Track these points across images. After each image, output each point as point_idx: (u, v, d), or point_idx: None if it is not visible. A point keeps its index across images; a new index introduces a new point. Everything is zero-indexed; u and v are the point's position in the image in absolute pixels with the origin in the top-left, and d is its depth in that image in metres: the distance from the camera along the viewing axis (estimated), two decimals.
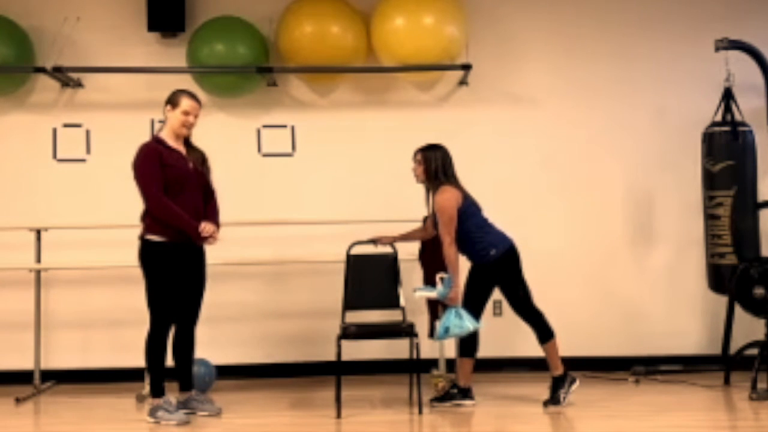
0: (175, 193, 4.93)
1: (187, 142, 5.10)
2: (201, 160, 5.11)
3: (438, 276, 5.17)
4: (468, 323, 5.10)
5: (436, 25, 6.10)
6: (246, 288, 6.30)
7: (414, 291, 5.34)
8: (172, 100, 5.03)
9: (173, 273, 4.97)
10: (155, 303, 4.96)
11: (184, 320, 5.13)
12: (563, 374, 5.27)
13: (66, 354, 6.25)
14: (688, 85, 6.47)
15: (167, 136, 5.03)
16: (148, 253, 4.97)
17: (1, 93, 6.28)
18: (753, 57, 5.94)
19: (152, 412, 4.94)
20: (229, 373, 6.11)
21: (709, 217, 5.95)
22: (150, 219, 4.96)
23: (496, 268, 5.25)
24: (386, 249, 5.59)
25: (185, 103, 5.01)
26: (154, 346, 4.97)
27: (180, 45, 6.29)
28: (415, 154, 5.38)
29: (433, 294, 5.21)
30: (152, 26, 6.26)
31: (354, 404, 5.31)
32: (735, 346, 5.82)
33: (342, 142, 6.44)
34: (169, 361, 5.22)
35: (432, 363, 6.05)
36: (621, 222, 6.48)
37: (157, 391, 4.97)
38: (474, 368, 5.36)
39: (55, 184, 6.32)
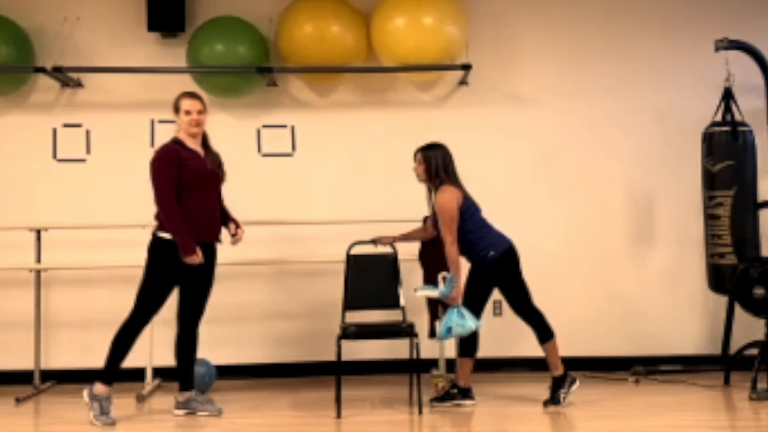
0: (192, 192, 4.97)
1: (205, 144, 5.15)
2: (218, 164, 5.16)
3: (440, 275, 5.17)
4: (470, 322, 5.10)
5: (436, 25, 6.10)
6: (246, 288, 6.30)
7: (415, 290, 5.34)
8: (175, 106, 5.10)
9: (177, 273, 4.98)
10: (146, 298, 4.97)
11: (188, 320, 5.14)
12: (563, 374, 5.27)
13: (66, 354, 6.25)
14: (688, 85, 6.47)
15: (184, 139, 5.08)
16: (157, 250, 4.97)
17: (1, 93, 6.28)
18: (753, 57, 5.94)
19: (90, 400, 4.94)
20: (229, 373, 6.11)
21: (709, 217, 5.95)
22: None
23: (495, 269, 5.25)
24: (386, 249, 5.59)
25: (184, 103, 5.08)
26: (127, 337, 4.96)
27: (180, 45, 6.29)
28: (416, 154, 5.38)
29: (434, 293, 5.21)
30: (152, 26, 6.26)
31: (354, 404, 5.31)
32: (735, 346, 5.82)
33: (342, 142, 6.45)
34: (172, 361, 5.23)
35: (432, 363, 6.06)
36: (621, 222, 6.48)
37: (108, 380, 4.98)
38: (474, 368, 5.36)
39: (55, 184, 6.31)
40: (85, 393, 4.99)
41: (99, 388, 4.97)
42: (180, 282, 5.06)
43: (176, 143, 5.06)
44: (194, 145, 5.08)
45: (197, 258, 4.93)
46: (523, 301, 5.29)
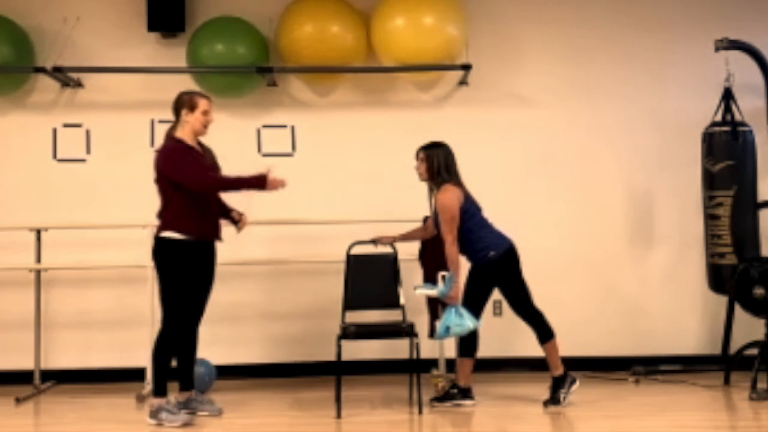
0: (194, 191, 4.95)
1: (199, 142, 5.14)
2: (213, 160, 5.15)
3: (440, 274, 5.17)
4: (468, 322, 5.10)
5: (436, 25, 6.10)
6: (246, 288, 6.30)
7: (415, 288, 5.33)
8: (188, 103, 5.03)
9: (187, 271, 4.96)
10: (170, 301, 4.94)
11: (188, 320, 5.12)
12: (563, 374, 5.27)
13: (66, 354, 6.25)
14: (688, 85, 6.47)
15: (186, 138, 5.04)
16: (164, 250, 4.95)
17: (1, 93, 6.28)
18: (753, 57, 5.94)
19: (154, 414, 4.90)
20: (229, 373, 6.11)
21: (709, 217, 5.95)
22: (167, 216, 4.96)
23: (496, 269, 5.25)
24: (386, 249, 5.59)
25: (203, 103, 5.06)
26: (165, 345, 4.94)
27: (180, 45, 6.29)
28: (418, 152, 5.38)
29: (433, 292, 5.21)
30: (152, 26, 6.27)
31: (354, 404, 5.31)
32: (735, 346, 5.82)
33: (342, 142, 6.45)
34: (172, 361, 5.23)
35: (432, 363, 6.05)
36: (621, 222, 6.48)
37: (160, 391, 4.94)
38: (474, 368, 5.36)
39: (55, 184, 6.31)
40: (147, 417, 4.92)
41: (155, 401, 4.93)
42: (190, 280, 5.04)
43: (179, 142, 5.03)
44: (193, 144, 5.07)
45: (275, 178, 4.97)
46: (523, 302, 5.29)
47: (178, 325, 4.98)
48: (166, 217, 4.97)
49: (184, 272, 4.95)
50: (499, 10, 6.51)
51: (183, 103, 5.05)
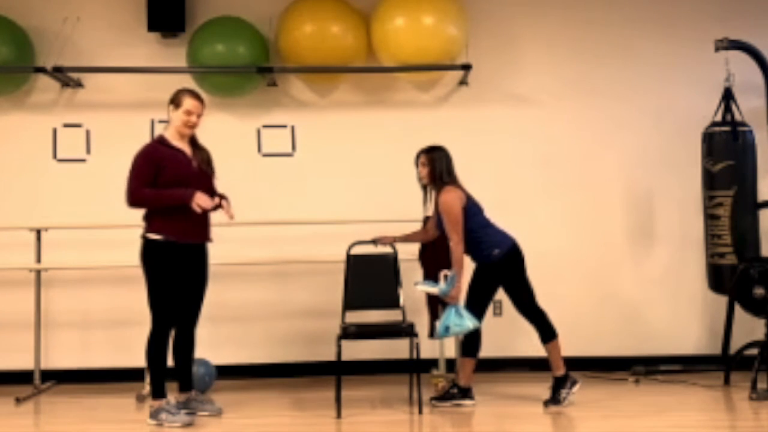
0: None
1: (193, 141, 5.08)
2: (207, 160, 5.09)
3: (442, 273, 5.15)
4: (468, 322, 5.09)
5: (436, 25, 6.10)
6: (246, 288, 6.30)
7: (415, 284, 5.32)
8: (175, 100, 5.00)
9: (174, 272, 4.95)
10: (156, 303, 4.94)
11: (185, 320, 5.12)
12: (565, 374, 5.26)
13: (66, 354, 6.25)
14: (688, 85, 6.47)
15: (171, 136, 5.01)
16: (149, 252, 4.95)
17: (1, 93, 6.28)
18: (753, 57, 5.94)
19: (154, 415, 4.90)
20: (229, 373, 6.11)
21: (709, 217, 5.95)
22: (151, 217, 4.95)
23: (500, 268, 5.24)
24: (386, 249, 5.59)
25: (188, 102, 4.98)
26: (156, 346, 4.94)
27: (180, 45, 6.29)
28: (419, 156, 5.36)
29: (434, 290, 5.20)
30: (152, 26, 6.27)
31: (354, 404, 5.31)
32: (735, 346, 5.82)
33: (342, 142, 6.45)
34: (170, 361, 5.22)
35: (432, 363, 6.06)
36: (621, 222, 6.48)
37: (159, 393, 4.94)
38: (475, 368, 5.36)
39: (55, 184, 6.32)
40: (148, 419, 4.93)
41: (155, 403, 4.93)
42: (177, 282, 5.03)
43: (160, 142, 5.00)
44: (181, 143, 5.02)
45: (203, 199, 4.83)
46: (527, 300, 5.28)
47: (166, 326, 4.97)
48: (149, 219, 4.96)
49: (168, 273, 4.93)
50: (499, 10, 6.51)
51: (172, 99, 5.02)
